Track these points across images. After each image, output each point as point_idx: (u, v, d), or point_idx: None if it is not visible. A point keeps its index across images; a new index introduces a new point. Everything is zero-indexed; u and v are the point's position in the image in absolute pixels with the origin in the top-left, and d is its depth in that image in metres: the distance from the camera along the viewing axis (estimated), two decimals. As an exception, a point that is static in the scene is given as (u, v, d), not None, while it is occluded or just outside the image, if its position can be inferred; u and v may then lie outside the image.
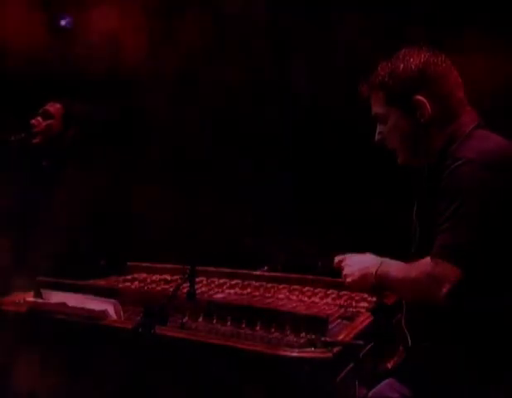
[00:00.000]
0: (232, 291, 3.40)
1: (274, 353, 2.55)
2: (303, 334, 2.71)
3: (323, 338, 2.60)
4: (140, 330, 2.59)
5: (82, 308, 2.91)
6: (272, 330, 2.77)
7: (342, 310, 3.04)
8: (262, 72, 4.96)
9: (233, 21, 4.82)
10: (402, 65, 2.71)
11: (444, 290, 2.44)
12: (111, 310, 2.92)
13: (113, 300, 2.95)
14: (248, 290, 3.40)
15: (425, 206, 2.73)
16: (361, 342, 2.64)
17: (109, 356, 2.81)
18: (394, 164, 2.85)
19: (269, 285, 3.43)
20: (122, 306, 2.97)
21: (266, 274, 3.53)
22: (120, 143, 4.69)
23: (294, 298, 3.27)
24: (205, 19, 4.95)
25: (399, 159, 2.81)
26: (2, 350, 2.99)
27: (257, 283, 3.46)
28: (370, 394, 2.70)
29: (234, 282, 3.50)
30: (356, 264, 2.80)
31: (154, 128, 5.08)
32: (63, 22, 4.85)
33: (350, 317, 2.93)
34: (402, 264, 2.70)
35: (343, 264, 2.85)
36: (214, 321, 2.89)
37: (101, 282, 3.58)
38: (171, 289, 3.04)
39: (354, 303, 3.14)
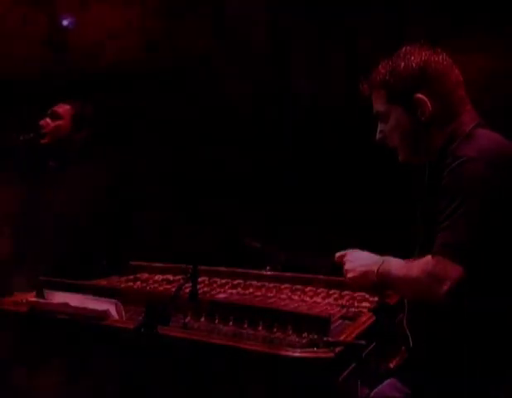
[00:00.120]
0: (234, 291, 3.40)
1: (276, 353, 2.53)
2: (305, 334, 2.70)
3: (325, 338, 2.59)
4: (142, 330, 2.59)
5: (84, 308, 2.90)
6: (275, 330, 2.76)
7: (344, 310, 3.03)
8: (262, 72, 4.97)
9: (233, 21, 4.83)
10: (403, 64, 2.71)
11: (445, 288, 2.43)
12: (113, 310, 2.92)
13: (114, 300, 2.95)
14: (250, 290, 3.40)
15: (427, 205, 2.73)
16: (363, 342, 2.63)
17: (111, 357, 2.80)
18: (395, 164, 2.85)
19: (271, 285, 3.43)
20: (124, 306, 2.96)
21: (268, 273, 3.54)
22: (120, 143, 4.70)
23: (296, 298, 3.27)
24: (205, 19, 4.96)
25: (400, 157, 2.81)
26: (3, 350, 2.99)
27: (259, 283, 3.47)
28: (372, 394, 2.70)
29: (235, 282, 3.50)
30: (358, 260, 2.79)
31: (154, 129, 5.09)
32: (65, 22, 4.86)
33: (352, 317, 2.93)
34: (403, 262, 2.70)
35: (344, 259, 2.84)
36: (217, 321, 2.88)
37: (103, 282, 3.58)
38: (174, 289, 3.04)
39: (356, 303, 3.14)
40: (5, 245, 3.88)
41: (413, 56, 2.71)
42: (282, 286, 3.41)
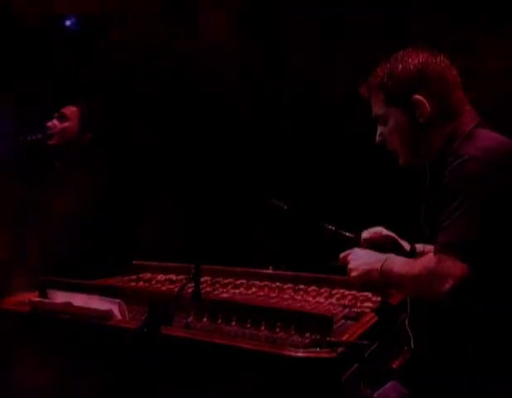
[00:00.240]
0: (237, 291, 3.41)
1: (279, 353, 2.54)
2: (308, 334, 2.71)
3: (328, 338, 2.60)
4: (145, 330, 2.59)
5: (87, 308, 2.91)
6: (277, 330, 2.77)
7: (347, 310, 3.04)
8: (261, 72, 4.97)
9: (233, 20, 4.83)
10: (400, 66, 2.72)
11: (447, 286, 2.43)
12: (116, 310, 2.93)
13: (118, 300, 2.96)
14: (253, 290, 3.41)
15: (429, 204, 2.74)
16: (366, 342, 2.64)
17: (114, 356, 2.81)
18: (395, 163, 2.86)
19: (274, 285, 3.44)
20: (127, 306, 2.97)
21: (271, 272, 3.55)
22: (121, 142, 4.70)
23: (299, 298, 3.28)
24: (205, 19, 4.95)
25: (400, 160, 2.81)
26: (7, 350, 3.00)
27: (261, 283, 3.48)
28: (375, 394, 2.71)
29: (238, 282, 3.51)
30: (361, 258, 2.79)
31: (154, 128, 5.09)
32: (68, 23, 4.86)
33: (355, 318, 2.94)
34: (406, 260, 2.71)
35: (348, 258, 2.85)
36: (219, 321, 2.89)
37: (106, 282, 3.59)
38: (176, 289, 3.04)
39: (358, 303, 3.16)
40: (5, 245, 3.88)
41: (411, 58, 2.72)
42: (285, 286, 3.42)
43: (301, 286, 3.39)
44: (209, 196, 4.84)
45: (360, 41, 4.55)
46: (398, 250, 2.96)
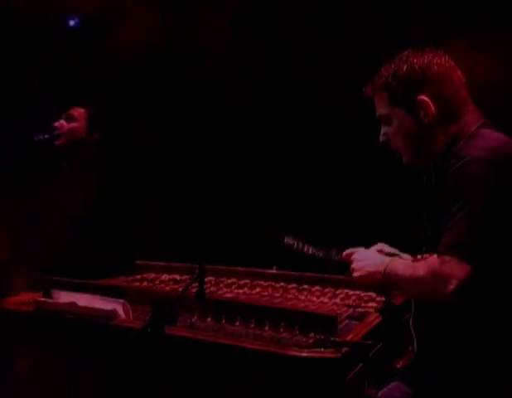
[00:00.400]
0: (241, 291, 3.41)
1: (283, 353, 2.55)
2: (312, 334, 2.72)
3: (332, 338, 2.61)
4: (149, 330, 2.59)
5: (91, 308, 2.92)
6: (281, 330, 2.78)
7: (351, 310, 3.05)
8: (261, 72, 4.97)
9: (233, 20, 4.82)
10: (405, 66, 2.72)
11: (451, 287, 2.44)
12: (120, 310, 2.93)
13: (121, 300, 2.96)
14: (257, 290, 3.41)
15: (432, 206, 2.74)
16: (370, 342, 2.65)
17: (118, 356, 2.81)
18: (396, 163, 2.86)
19: (278, 285, 3.44)
20: (131, 306, 2.97)
21: (275, 272, 3.55)
22: (121, 142, 4.70)
23: (303, 298, 3.28)
24: (204, 18, 4.95)
25: (404, 160, 2.81)
26: (11, 350, 3.00)
27: (265, 283, 3.48)
28: (380, 394, 2.71)
29: (242, 282, 3.50)
30: (365, 259, 2.80)
31: (154, 128, 5.09)
32: (72, 23, 4.85)
33: (359, 318, 2.94)
34: (409, 262, 2.72)
35: (352, 258, 2.86)
36: (223, 321, 2.90)
37: (110, 282, 3.59)
38: (180, 289, 3.04)
39: (362, 304, 3.15)
40: (5, 245, 3.88)
41: (416, 59, 2.72)
42: (289, 286, 3.42)
43: (306, 286, 3.39)
44: (209, 195, 4.84)
45: (360, 41, 4.54)
46: None
